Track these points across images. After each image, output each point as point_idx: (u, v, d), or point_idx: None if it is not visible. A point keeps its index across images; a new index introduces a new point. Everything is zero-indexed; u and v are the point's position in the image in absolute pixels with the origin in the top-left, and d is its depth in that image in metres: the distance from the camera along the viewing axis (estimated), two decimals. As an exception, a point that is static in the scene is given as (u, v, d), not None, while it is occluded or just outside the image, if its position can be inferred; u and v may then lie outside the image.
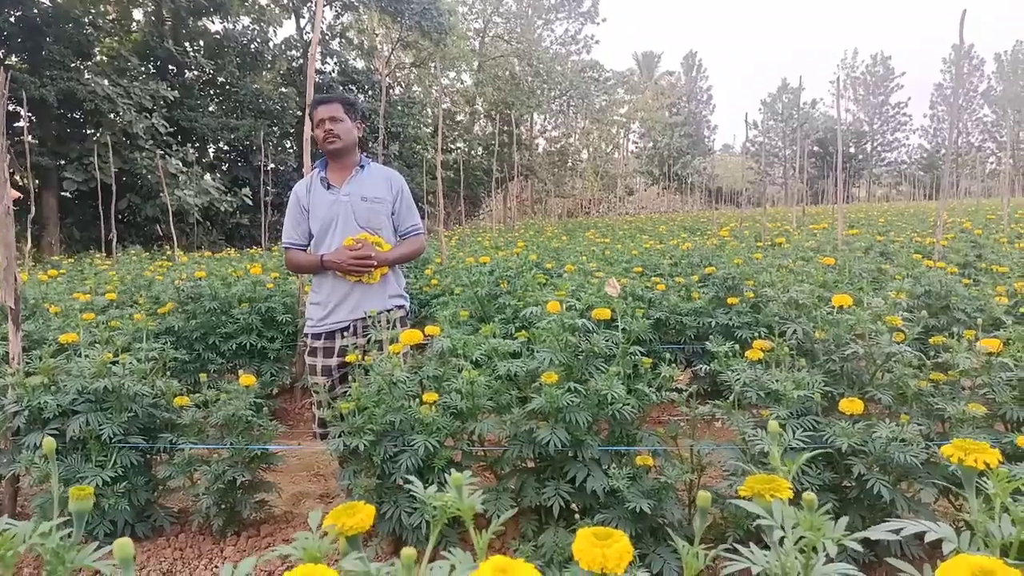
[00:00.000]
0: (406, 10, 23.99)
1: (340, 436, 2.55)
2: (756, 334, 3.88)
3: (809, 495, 0.76)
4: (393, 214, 3.15)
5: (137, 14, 21.39)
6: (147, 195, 17.45)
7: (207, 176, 19.31)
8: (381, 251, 3.00)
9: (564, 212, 42.64)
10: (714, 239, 8.36)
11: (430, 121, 27.49)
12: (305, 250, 3.12)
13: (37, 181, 17.40)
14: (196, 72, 21.86)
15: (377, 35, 30.68)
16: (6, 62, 17.25)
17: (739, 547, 0.79)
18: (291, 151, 24.11)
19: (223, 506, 2.75)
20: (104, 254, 11.88)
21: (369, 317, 2.89)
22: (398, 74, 30.49)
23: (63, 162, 17.08)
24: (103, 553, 0.86)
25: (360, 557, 0.82)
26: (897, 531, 0.82)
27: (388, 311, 3.06)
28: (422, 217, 3.37)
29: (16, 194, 11.93)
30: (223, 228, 21.08)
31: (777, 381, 2.33)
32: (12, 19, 17.10)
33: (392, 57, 29.92)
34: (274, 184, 19.91)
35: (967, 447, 0.85)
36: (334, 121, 3.00)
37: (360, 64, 27.58)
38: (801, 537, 0.73)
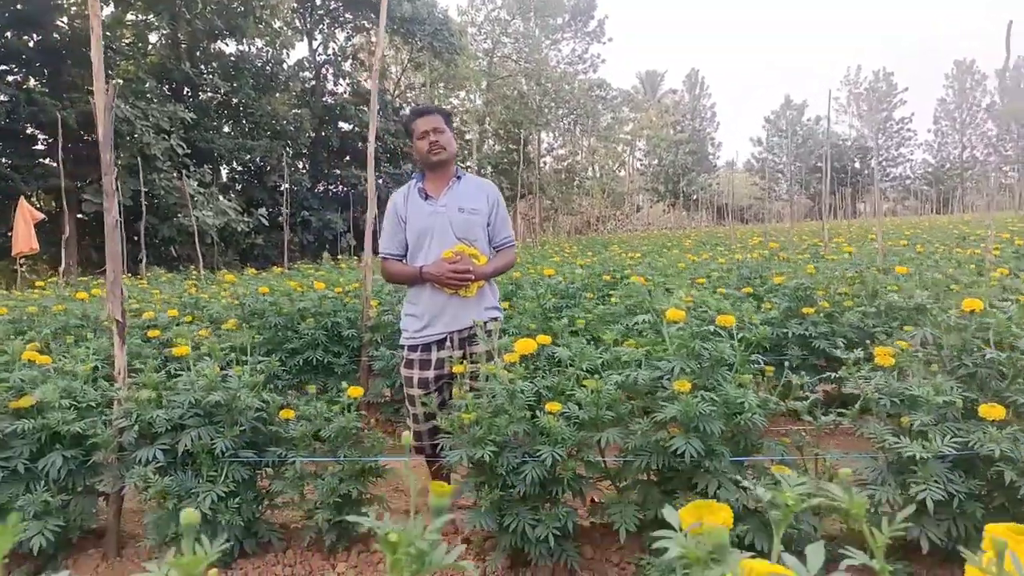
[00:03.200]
0: (418, 31, 24.20)
1: (453, 448, 2.51)
2: (833, 344, 3.85)
3: None
4: (488, 225, 3.12)
5: (153, 37, 21.61)
6: (164, 216, 17.49)
7: (222, 197, 19.35)
8: (479, 264, 2.97)
9: (572, 229, 42.76)
10: (755, 253, 8.31)
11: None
12: (402, 260, 3.08)
13: (55, 203, 17.49)
14: (211, 93, 22.01)
15: (386, 56, 30.90)
16: (25, 86, 17.39)
17: None
18: (304, 171, 24.22)
19: (334, 521, 2.69)
20: (129, 275, 11.86)
21: (476, 326, 2.86)
22: (408, 94, 30.67)
23: (81, 184, 17.14)
24: (458, 553, 0.82)
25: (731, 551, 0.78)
26: None
27: (484, 323, 3.02)
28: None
29: (39, 215, 11.98)
30: (237, 248, 21.13)
31: (917, 387, 2.28)
32: (32, 43, 17.26)
33: (402, 78, 30.15)
34: (289, 204, 19.97)
35: None
36: (437, 132, 2.99)
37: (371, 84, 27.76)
38: None
